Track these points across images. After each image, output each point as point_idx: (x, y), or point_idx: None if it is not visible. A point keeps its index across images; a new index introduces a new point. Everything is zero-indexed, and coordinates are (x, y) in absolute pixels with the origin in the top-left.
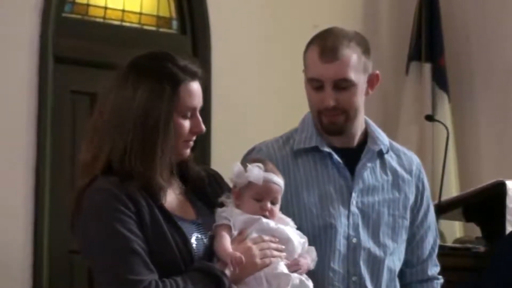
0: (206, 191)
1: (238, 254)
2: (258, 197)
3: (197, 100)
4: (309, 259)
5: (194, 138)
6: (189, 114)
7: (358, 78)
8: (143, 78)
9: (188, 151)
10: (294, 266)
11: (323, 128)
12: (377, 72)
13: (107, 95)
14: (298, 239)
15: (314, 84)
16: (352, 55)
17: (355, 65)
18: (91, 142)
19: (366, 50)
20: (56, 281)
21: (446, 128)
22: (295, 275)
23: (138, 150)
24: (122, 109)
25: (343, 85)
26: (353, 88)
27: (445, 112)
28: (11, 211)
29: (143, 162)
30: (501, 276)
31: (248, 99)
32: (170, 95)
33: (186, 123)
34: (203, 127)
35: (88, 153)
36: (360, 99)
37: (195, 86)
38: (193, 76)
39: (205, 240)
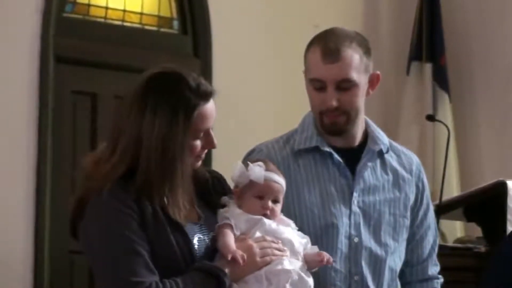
0: (210, 193)
1: (241, 252)
2: (259, 195)
3: (211, 121)
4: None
5: (204, 153)
6: (202, 134)
7: (360, 78)
8: (160, 106)
9: (198, 164)
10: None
11: (324, 129)
12: (378, 72)
13: (126, 112)
14: (299, 240)
15: (316, 85)
16: (354, 56)
17: (357, 65)
18: (113, 151)
19: (367, 50)
20: (57, 281)
21: (447, 127)
22: (295, 270)
23: (160, 177)
24: (142, 135)
25: (345, 85)
26: (355, 89)
27: (446, 112)
28: (12, 211)
29: (166, 190)
30: (500, 275)
31: (249, 99)
32: (184, 124)
33: (198, 143)
34: (216, 143)
35: (92, 166)
36: (361, 100)
37: (209, 108)
38: (207, 97)
39: (207, 241)
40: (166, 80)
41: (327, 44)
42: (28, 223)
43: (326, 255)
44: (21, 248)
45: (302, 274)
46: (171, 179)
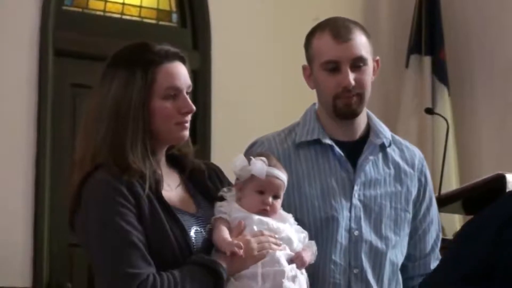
0: (206, 184)
1: (236, 241)
2: (260, 190)
3: (179, 80)
4: (310, 253)
5: (187, 119)
6: (172, 95)
7: (369, 58)
8: (117, 71)
9: (185, 133)
10: (296, 260)
11: (337, 113)
12: (378, 57)
13: (91, 94)
14: (297, 237)
15: (330, 66)
16: (362, 36)
17: (366, 45)
18: (80, 142)
19: (368, 34)
20: (56, 275)
21: (446, 121)
22: (292, 266)
23: (111, 140)
24: (100, 106)
25: (360, 63)
26: (367, 68)
27: (445, 105)
28: (11, 206)
29: (116, 151)
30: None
31: (249, 92)
32: (141, 80)
33: (169, 105)
34: (192, 106)
35: (78, 152)
36: (370, 82)
37: (175, 67)
38: (171, 57)
39: (204, 233)
40: (128, 49)
41: (336, 26)
42: (27, 217)
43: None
44: (20, 242)
45: (298, 271)
46: (123, 141)
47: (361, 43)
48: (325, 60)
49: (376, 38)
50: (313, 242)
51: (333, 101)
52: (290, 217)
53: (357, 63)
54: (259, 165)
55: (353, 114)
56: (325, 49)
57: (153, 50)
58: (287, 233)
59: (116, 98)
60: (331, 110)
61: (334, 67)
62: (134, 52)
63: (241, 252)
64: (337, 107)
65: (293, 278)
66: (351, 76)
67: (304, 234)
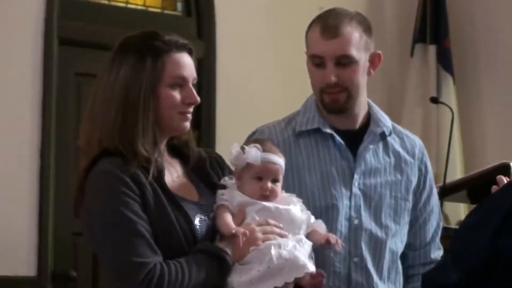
0: (208, 172)
1: (242, 229)
2: (257, 177)
3: (187, 71)
4: (322, 231)
5: (190, 110)
6: (178, 85)
7: (360, 55)
8: (126, 56)
9: (186, 124)
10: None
11: (325, 107)
12: (379, 52)
13: (98, 79)
14: (300, 217)
15: (316, 61)
16: (353, 33)
17: (356, 42)
18: (86, 126)
19: (367, 29)
20: (61, 263)
21: (451, 110)
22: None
23: (121, 125)
24: (109, 90)
25: (344, 61)
26: (354, 66)
27: (450, 94)
28: (16, 194)
29: (125, 135)
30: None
31: (253, 81)
32: (151, 66)
33: (176, 94)
34: (197, 97)
35: (83, 137)
36: (362, 78)
37: (184, 57)
38: (180, 47)
39: (208, 221)
40: (138, 36)
41: (327, 21)
42: (32, 206)
43: (333, 239)
44: (24, 231)
45: (296, 252)
46: (130, 127)
47: (350, 40)
48: (311, 54)
49: (381, 27)
50: (320, 221)
51: (320, 95)
52: (292, 197)
53: (342, 61)
54: (253, 152)
55: (341, 110)
56: (313, 43)
57: (163, 39)
58: (292, 215)
59: (125, 83)
60: (320, 103)
61: (319, 62)
62: (145, 39)
63: (242, 238)
64: (325, 101)
65: (298, 241)
66: (334, 73)
67: (307, 214)
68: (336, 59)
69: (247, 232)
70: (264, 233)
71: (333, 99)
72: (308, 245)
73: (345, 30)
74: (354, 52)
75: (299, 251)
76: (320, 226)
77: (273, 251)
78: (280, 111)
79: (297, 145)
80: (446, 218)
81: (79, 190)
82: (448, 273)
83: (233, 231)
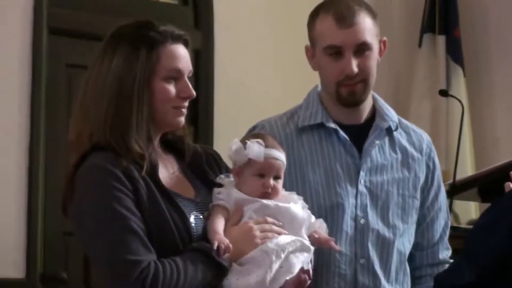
0: (204, 169)
1: (227, 241)
2: (259, 174)
3: (182, 63)
4: (322, 232)
5: (185, 104)
6: (173, 78)
7: (374, 42)
8: (119, 47)
9: (181, 119)
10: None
11: (341, 101)
12: (385, 38)
13: (89, 71)
14: (301, 216)
15: (332, 51)
16: (366, 19)
17: (371, 28)
18: (76, 120)
19: (375, 15)
20: (51, 264)
21: (461, 103)
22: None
23: (113, 119)
24: (100, 82)
25: (363, 49)
26: (371, 53)
27: (459, 87)
28: (3, 192)
29: (117, 130)
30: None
31: (253, 74)
32: (146, 58)
33: (171, 87)
34: (193, 91)
35: (73, 132)
36: (375, 67)
37: (179, 49)
38: (175, 39)
39: (203, 219)
40: (132, 26)
41: (340, 10)
42: (20, 204)
43: (331, 243)
44: (12, 231)
45: (294, 260)
46: (127, 121)
47: (366, 27)
48: (328, 45)
49: (388, 16)
50: (321, 221)
51: (336, 88)
52: (293, 194)
53: (361, 49)
54: (256, 148)
55: (358, 102)
56: (328, 33)
57: (158, 29)
58: (292, 214)
59: (118, 75)
60: (334, 98)
61: (336, 53)
62: (139, 29)
63: (222, 253)
64: (341, 95)
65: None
66: (354, 63)
67: (307, 213)
68: (356, 47)
69: (230, 246)
70: (263, 231)
71: (351, 91)
72: (310, 251)
73: (360, 17)
74: (370, 39)
75: (298, 258)
76: (321, 227)
77: (274, 257)
78: (281, 105)
79: (299, 140)
80: (456, 217)
81: (68, 186)
82: (461, 274)
83: (216, 242)
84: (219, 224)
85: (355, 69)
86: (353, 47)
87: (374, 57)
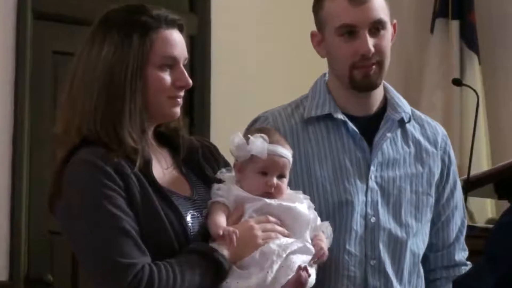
0: (200, 164)
1: (232, 228)
2: (262, 171)
3: (178, 50)
4: (324, 237)
5: (181, 94)
6: (168, 65)
7: (388, 22)
8: (109, 33)
9: (176, 110)
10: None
11: (355, 85)
12: (395, 21)
13: (77, 58)
14: (307, 216)
15: (345, 31)
16: None
17: (384, 7)
18: (63, 111)
19: None
20: (36, 265)
21: (476, 93)
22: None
23: (104, 110)
24: (89, 71)
25: (379, 28)
26: (386, 33)
27: (474, 75)
28: None
29: (108, 122)
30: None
31: (253, 61)
32: (138, 44)
33: (165, 76)
34: (189, 80)
35: (60, 124)
36: (390, 49)
37: (174, 35)
38: (170, 24)
39: (201, 218)
40: (123, 10)
41: None
42: (2, 201)
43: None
44: None
45: (295, 259)
46: (119, 112)
47: (380, 4)
48: (340, 24)
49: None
50: (327, 224)
51: (350, 71)
52: (300, 194)
53: (376, 27)
54: (259, 144)
55: (372, 86)
56: (340, 12)
57: (151, 13)
58: (297, 214)
59: (109, 63)
60: (347, 82)
61: (350, 32)
62: (130, 13)
63: (230, 240)
64: (355, 79)
65: (304, 251)
66: (371, 42)
67: (313, 214)
68: (371, 25)
69: (237, 231)
70: (264, 231)
71: (365, 74)
72: (311, 255)
73: None
74: (385, 17)
75: (298, 257)
76: (327, 230)
77: (275, 257)
78: (284, 95)
79: (305, 133)
80: (471, 215)
81: (55, 183)
82: (482, 277)
83: (221, 231)
84: (222, 219)
85: (372, 48)
86: (368, 25)
87: (389, 38)
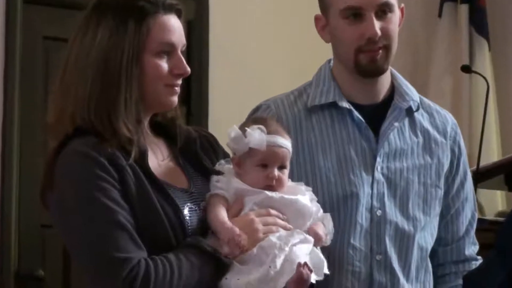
0: (198, 155)
1: (238, 231)
2: (262, 164)
3: (176, 36)
4: (322, 230)
5: (178, 82)
6: (166, 52)
7: (395, 5)
8: (104, 18)
9: (174, 98)
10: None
11: (360, 70)
12: (402, 5)
13: (70, 44)
14: (309, 209)
15: (350, 14)
16: None
17: None
18: (55, 100)
19: None
20: (26, 260)
21: (486, 80)
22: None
23: (98, 99)
24: (83, 57)
25: (385, 10)
26: (393, 17)
27: (484, 62)
28: None
29: (103, 111)
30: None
31: (252, 47)
32: (134, 30)
33: (163, 63)
34: (187, 67)
35: (52, 113)
36: (397, 33)
37: (171, 20)
38: (167, 9)
39: (198, 211)
40: None
41: None
42: None
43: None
44: None
45: (298, 252)
46: (114, 100)
47: None
48: (345, 6)
49: None
50: (328, 216)
51: (355, 55)
52: (300, 185)
53: (383, 10)
54: (257, 135)
55: (379, 71)
56: None
57: None
58: (299, 207)
59: (104, 50)
60: (352, 67)
61: (356, 15)
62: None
63: (243, 242)
64: (360, 63)
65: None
66: (377, 25)
67: (316, 207)
68: (378, 7)
69: (245, 237)
70: (265, 224)
71: (372, 58)
72: (310, 244)
73: None
74: (392, 0)
75: (302, 250)
76: (328, 224)
77: (276, 251)
78: (285, 82)
79: (309, 122)
80: (480, 208)
81: (47, 175)
82: (493, 272)
83: (227, 236)
84: (224, 213)
85: (379, 31)
86: (374, 8)
87: (396, 21)
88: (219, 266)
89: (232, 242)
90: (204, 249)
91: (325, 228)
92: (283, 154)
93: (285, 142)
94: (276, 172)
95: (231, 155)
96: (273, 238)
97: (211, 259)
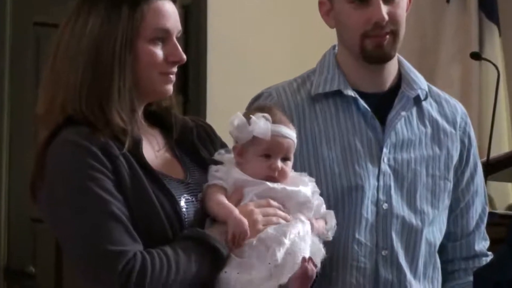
0: (195, 145)
1: (245, 220)
2: (265, 154)
3: (171, 22)
4: (322, 225)
5: (174, 69)
6: (160, 39)
7: None
8: (96, 3)
9: (169, 87)
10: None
11: (366, 56)
12: None
13: (61, 30)
14: (311, 200)
15: None
16: None
17: None
18: (46, 88)
19: None
20: (17, 256)
21: (496, 68)
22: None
23: (90, 87)
24: (74, 44)
25: None
26: (401, 1)
27: (494, 49)
28: None
29: (95, 100)
30: None
31: (253, 34)
32: (128, 16)
33: (158, 50)
34: (183, 55)
35: (42, 102)
36: (405, 18)
37: (166, 5)
38: None
39: (195, 203)
40: None
41: None
42: None
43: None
44: None
45: (301, 244)
46: (107, 89)
47: None
48: None
49: None
50: (331, 213)
51: (361, 40)
52: (303, 176)
53: None
54: (262, 124)
55: (385, 58)
56: None
57: None
58: (302, 198)
59: (96, 37)
60: (357, 53)
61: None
62: None
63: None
64: (366, 49)
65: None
66: (384, 9)
67: (318, 201)
68: None
69: (247, 228)
70: (265, 215)
71: (378, 44)
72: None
73: None
74: None
75: (306, 241)
76: (330, 221)
77: (276, 243)
78: (286, 69)
79: (312, 111)
80: (490, 201)
81: (38, 166)
82: (504, 267)
83: (234, 224)
84: (224, 199)
85: (386, 16)
86: None
87: (404, 6)
88: (217, 258)
89: (238, 230)
90: (202, 240)
91: (328, 224)
92: (287, 144)
93: (290, 133)
94: (279, 163)
95: (229, 145)
96: (270, 230)
97: (209, 251)
